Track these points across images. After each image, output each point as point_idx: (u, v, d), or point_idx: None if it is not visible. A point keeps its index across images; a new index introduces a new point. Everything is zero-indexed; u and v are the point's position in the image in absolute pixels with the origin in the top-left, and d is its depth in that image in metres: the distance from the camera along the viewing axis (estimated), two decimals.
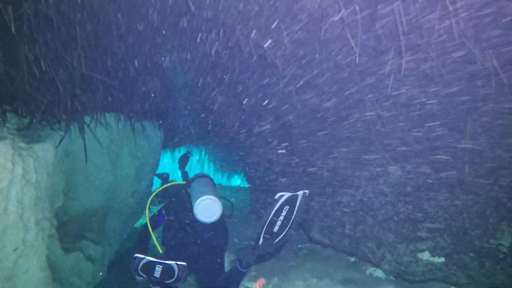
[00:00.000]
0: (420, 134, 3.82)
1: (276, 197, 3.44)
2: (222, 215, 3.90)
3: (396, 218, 3.99)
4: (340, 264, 4.70)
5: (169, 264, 3.03)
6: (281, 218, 3.42)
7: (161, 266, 3.03)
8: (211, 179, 4.34)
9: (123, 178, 6.51)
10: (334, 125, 4.18)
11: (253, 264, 3.81)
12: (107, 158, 6.25)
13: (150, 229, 4.01)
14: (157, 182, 7.31)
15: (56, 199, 5.31)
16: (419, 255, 4.06)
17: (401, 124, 3.86)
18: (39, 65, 3.91)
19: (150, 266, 3.04)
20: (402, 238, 4.01)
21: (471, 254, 3.93)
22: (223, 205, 3.87)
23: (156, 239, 4.06)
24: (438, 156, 3.79)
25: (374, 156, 4.00)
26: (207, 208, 3.64)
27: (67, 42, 3.99)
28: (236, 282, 3.85)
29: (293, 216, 3.42)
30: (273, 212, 3.44)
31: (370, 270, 4.64)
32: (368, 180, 4.06)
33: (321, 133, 4.31)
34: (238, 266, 3.75)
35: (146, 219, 4.11)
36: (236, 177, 14.55)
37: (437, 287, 4.18)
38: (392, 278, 4.54)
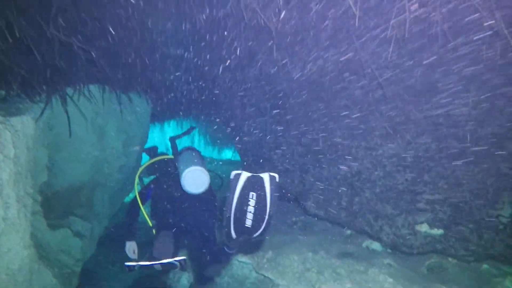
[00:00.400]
0: (421, 102, 3.63)
1: (232, 176, 2.91)
2: (211, 188, 3.91)
3: (394, 190, 3.85)
4: (335, 237, 4.60)
5: (168, 263, 2.99)
6: (251, 209, 2.86)
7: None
8: (199, 152, 4.30)
9: (110, 152, 6.27)
10: (331, 93, 3.97)
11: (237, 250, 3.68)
12: (92, 131, 5.99)
13: (139, 202, 4.00)
14: (146, 157, 7.10)
15: (39, 174, 5.08)
16: (418, 228, 3.95)
17: (402, 92, 3.67)
18: (13, 31, 3.60)
19: (147, 266, 3.02)
20: (401, 210, 3.89)
21: (471, 226, 3.83)
22: (212, 179, 3.79)
23: (146, 213, 4.08)
24: (439, 126, 3.62)
25: (373, 125, 3.82)
26: (194, 179, 3.57)
27: (43, 4, 3.67)
28: (225, 260, 3.79)
29: (268, 203, 2.87)
30: (235, 199, 2.90)
31: (367, 243, 4.55)
32: (366, 151, 3.89)
33: (317, 101, 4.10)
34: (226, 248, 3.54)
35: (135, 192, 4.10)
36: (227, 150, 14.53)
37: (434, 259, 4.12)
38: (389, 250, 4.46)
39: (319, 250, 4.21)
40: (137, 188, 4.29)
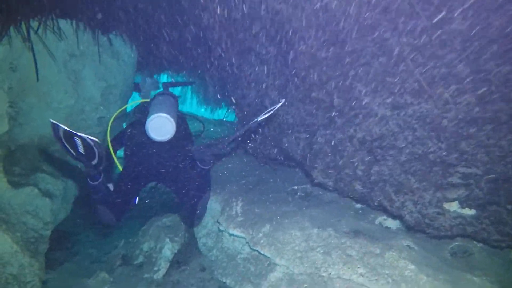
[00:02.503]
0: (466, 53, 2.86)
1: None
2: (186, 134, 4.00)
3: (423, 160, 3.15)
4: (344, 211, 3.94)
5: (82, 136, 2.82)
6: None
7: (79, 139, 2.85)
8: (174, 97, 4.17)
9: (87, 102, 5.48)
10: (352, 37, 3.18)
11: (211, 162, 3.80)
12: (65, 76, 5.17)
13: (111, 149, 3.94)
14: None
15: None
16: (446, 206, 3.29)
17: (443, 37, 2.88)
18: None
19: (68, 136, 2.83)
20: (429, 184, 3.20)
21: (509, 207, 3.16)
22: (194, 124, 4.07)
23: (118, 159, 4.04)
24: (488, 84, 2.87)
25: (403, 77, 3.06)
26: (158, 126, 3.53)
27: None
28: (205, 182, 3.89)
29: (257, 119, 3.17)
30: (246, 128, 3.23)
31: (380, 219, 3.90)
32: (393, 110, 3.15)
33: (334, 47, 3.30)
34: (200, 165, 3.75)
35: (107, 138, 4.01)
36: (220, 111, 14.01)
37: (458, 243, 3.49)
38: (402, 228, 3.83)
39: (326, 226, 3.56)
40: (109, 134, 4.08)
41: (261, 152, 4.63)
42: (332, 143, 3.55)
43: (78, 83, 5.29)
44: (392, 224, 3.86)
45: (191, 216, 3.98)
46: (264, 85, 4.10)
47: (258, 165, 5.17)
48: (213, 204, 4.52)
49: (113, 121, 4.22)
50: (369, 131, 3.27)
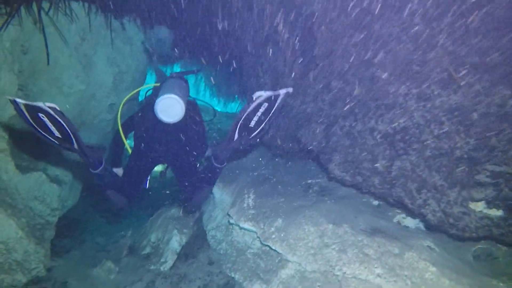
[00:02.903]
0: (504, 41, 2.64)
1: (255, 97, 2.93)
2: (196, 119, 3.94)
3: (450, 156, 2.94)
4: (360, 207, 3.74)
5: (40, 107, 2.65)
6: (258, 114, 3.04)
7: (44, 115, 2.70)
8: (185, 81, 4.11)
9: (98, 87, 5.36)
10: (377, 20, 2.97)
11: (228, 160, 3.70)
12: (77, 60, 5.05)
13: (121, 134, 3.91)
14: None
15: (5, 105, 4.21)
16: (472, 206, 3.08)
17: (477, 23, 2.66)
18: None
19: (32, 112, 2.69)
20: (454, 182, 2.99)
21: None
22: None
23: (129, 144, 4.07)
24: None
25: (431, 66, 2.84)
26: (167, 107, 3.47)
27: None
28: (212, 178, 3.81)
29: (271, 112, 3.05)
30: (249, 110, 3.00)
31: (398, 217, 3.70)
32: (419, 101, 2.94)
33: (357, 32, 3.10)
34: (214, 162, 3.64)
35: (118, 120, 3.98)
36: (232, 104, 14.09)
37: (482, 245, 3.28)
38: (422, 228, 3.63)
39: (341, 222, 3.37)
40: (120, 116, 4.07)
41: (274, 143, 4.46)
42: (352, 135, 3.35)
43: (89, 68, 5.17)
44: (411, 223, 3.66)
45: (187, 201, 3.97)
46: (281, 74, 3.92)
47: (271, 158, 5.00)
48: (224, 196, 4.37)
49: (124, 106, 4.21)
50: (392, 123, 3.07)
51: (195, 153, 3.94)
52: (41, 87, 4.94)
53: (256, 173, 4.44)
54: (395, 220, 3.66)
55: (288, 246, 3.37)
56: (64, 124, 2.81)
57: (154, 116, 3.60)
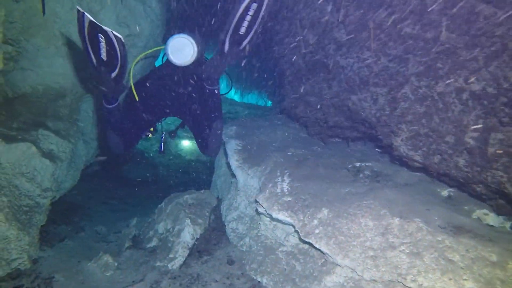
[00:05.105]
0: None
1: None
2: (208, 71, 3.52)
3: None
4: (427, 197, 2.86)
5: (107, 31, 2.63)
6: (248, 18, 2.83)
7: (103, 39, 2.69)
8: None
9: None
10: None
11: (217, 79, 3.50)
12: None
13: (134, 93, 3.70)
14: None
15: None
16: None
17: None
18: None
19: (93, 31, 2.65)
20: None
21: None
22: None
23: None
24: None
25: None
26: (178, 47, 3.27)
27: None
28: (214, 106, 3.63)
29: (261, 13, 2.81)
30: (240, 11, 2.80)
31: (478, 212, 2.81)
32: None
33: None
34: (206, 85, 3.47)
35: (130, 80, 3.78)
36: (249, 95, 13.91)
37: None
38: (508, 228, 2.75)
39: (410, 215, 2.51)
40: (132, 76, 3.83)
41: (313, 116, 3.61)
42: (429, 99, 2.48)
43: None
44: (495, 220, 2.78)
45: (205, 148, 3.80)
46: (327, 23, 3.06)
47: (307, 137, 4.14)
48: (250, 180, 3.53)
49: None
50: (493, 80, 2.18)
51: (206, 114, 3.74)
52: (36, 45, 4.19)
53: (290, 153, 3.58)
54: (474, 216, 2.78)
55: (337, 245, 2.51)
56: (119, 54, 2.78)
57: (166, 67, 3.68)
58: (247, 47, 3.00)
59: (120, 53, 2.78)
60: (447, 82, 2.37)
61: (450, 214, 2.62)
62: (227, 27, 2.92)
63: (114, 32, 2.66)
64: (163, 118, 4.23)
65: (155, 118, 3.99)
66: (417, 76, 2.53)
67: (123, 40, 2.74)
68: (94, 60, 2.86)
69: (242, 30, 2.89)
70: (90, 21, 2.62)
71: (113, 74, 2.96)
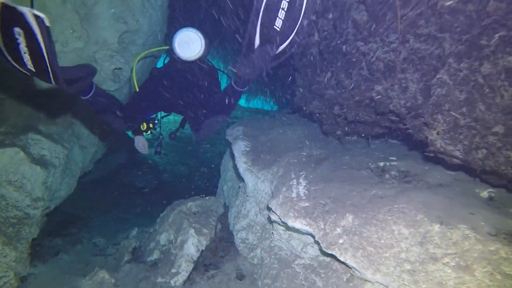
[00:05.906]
0: None
1: None
2: (213, 78, 3.79)
3: None
4: (467, 199, 2.46)
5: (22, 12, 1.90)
6: (282, 12, 2.17)
7: (21, 36, 1.96)
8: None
9: (100, 47, 4.26)
10: None
11: (250, 80, 3.39)
12: (72, 9, 3.97)
13: (135, 82, 3.76)
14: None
15: None
16: None
17: None
18: None
19: (9, 26, 1.97)
20: None
21: None
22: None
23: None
24: None
25: None
26: (186, 40, 3.22)
27: None
28: (231, 104, 3.56)
29: (302, 12, 2.19)
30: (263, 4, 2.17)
31: None
32: None
33: None
34: (233, 84, 3.44)
35: (133, 75, 3.82)
36: (254, 101, 13.35)
37: None
38: None
39: (452, 220, 2.12)
40: (135, 71, 3.85)
41: (330, 112, 3.24)
42: (471, 84, 2.10)
43: (89, 21, 4.08)
44: None
45: (196, 130, 3.74)
46: (345, 4, 2.70)
47: (322, 135, 3.77)
48: (260, 184, 3.16)
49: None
50: None
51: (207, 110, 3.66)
52: None
53: (304, 153, 3.21)
54: None
55: (366, 257, 2.13)
56: (44, 53, 2.02)
57: (167, 67, 3.68)
58: (286, 52, 2.41)
59: (44, 47, 2.02)
60: (494, 61, 1.99)
61: (496, 218, 2.22)
62: (255, 12, 2.23)
63: (34, 11, 1.95)
64: (164, 113, 4.20)
65: (151, 107, 3.84)
66: (456, 57, 2.15)
67: (47, 23, 2.00)
68: (24, 72, 2.20)
69: (278, 23, 2.23)
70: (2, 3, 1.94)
71: (51, 80, 2.23)
